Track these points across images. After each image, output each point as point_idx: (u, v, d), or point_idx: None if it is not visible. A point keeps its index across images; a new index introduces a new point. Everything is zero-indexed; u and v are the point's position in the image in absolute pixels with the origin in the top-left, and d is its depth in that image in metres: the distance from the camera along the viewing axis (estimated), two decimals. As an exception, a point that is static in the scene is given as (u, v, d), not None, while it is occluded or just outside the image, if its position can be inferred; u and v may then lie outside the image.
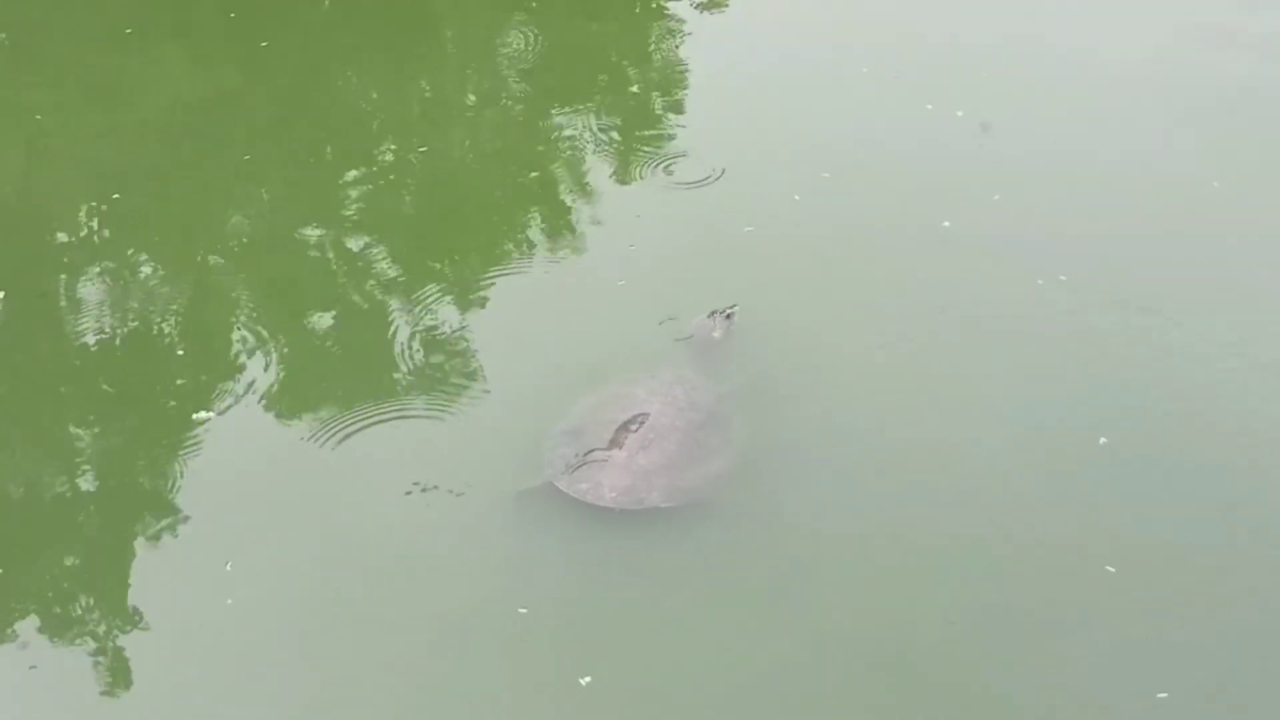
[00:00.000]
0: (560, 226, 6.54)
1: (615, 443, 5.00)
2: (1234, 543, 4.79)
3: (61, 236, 6.72)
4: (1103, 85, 7.45)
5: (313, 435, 5.31)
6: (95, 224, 6.76)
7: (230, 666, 4.47)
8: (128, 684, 4.50)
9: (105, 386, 5.79)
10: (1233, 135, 6.95)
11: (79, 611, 4.73)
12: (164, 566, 4.84)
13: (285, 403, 5.51)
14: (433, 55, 8.36)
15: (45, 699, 4.49)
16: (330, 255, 6.44)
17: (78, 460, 5.32)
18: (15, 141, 7.47)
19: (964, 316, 5.78)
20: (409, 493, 5.03)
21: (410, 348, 5.75)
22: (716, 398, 5.30)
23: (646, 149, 7.12)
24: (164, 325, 6.03)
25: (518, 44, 8.27)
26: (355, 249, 6.45)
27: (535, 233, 6.52)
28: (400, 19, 8.64)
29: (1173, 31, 7.92)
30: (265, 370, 5.67)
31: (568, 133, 7.29)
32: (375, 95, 7.84)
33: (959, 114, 7.20)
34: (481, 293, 6.10)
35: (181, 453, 5.27)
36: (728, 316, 5.71)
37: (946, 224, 6.33)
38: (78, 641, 4.61)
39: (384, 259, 6.38)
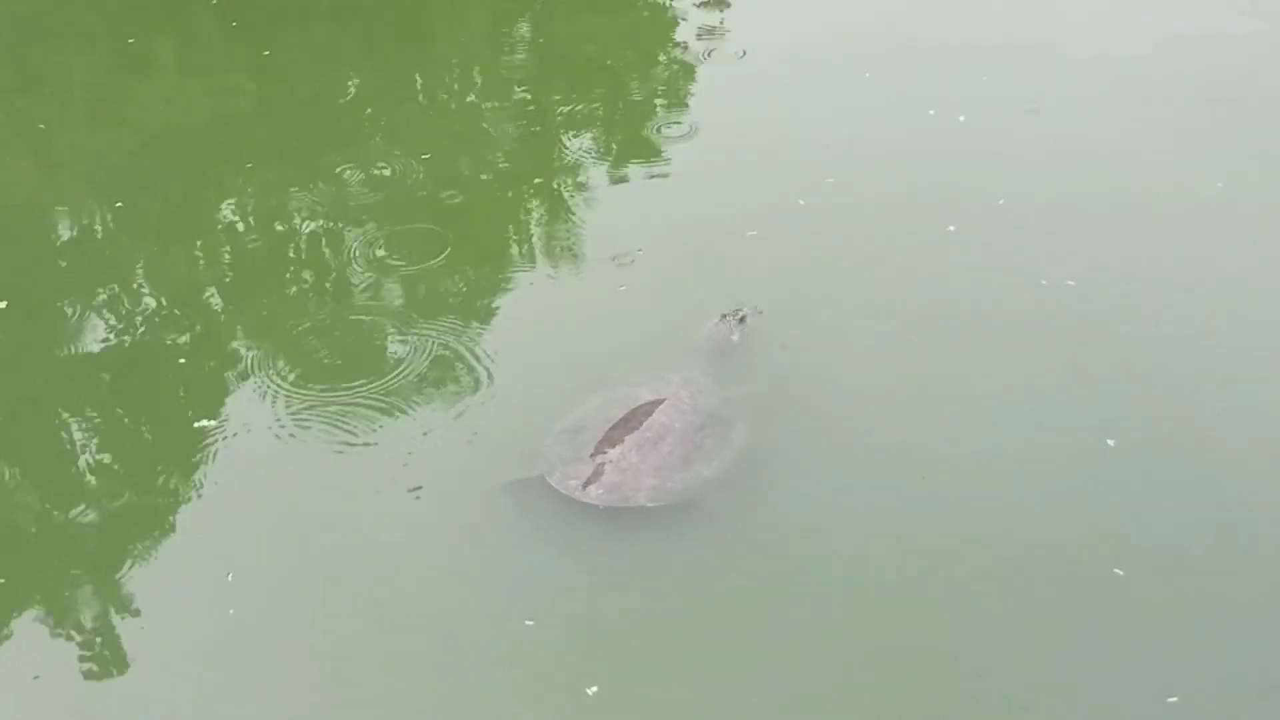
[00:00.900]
0: (564, 231, 6.53)
1: (611, 441, 5.00)
2: (1244, 544, 4.76)
3: (64, 245, 6.71)
4: (1106, 88, 7.44)
5: (315, 444, 5.29)
6: (98, 232, 6.76)
7: (233, 678, 4.44)
8: (130, 693, 4.48)
9: (107, 394, 5.77)
10: (1237, 137, 6.94)
11: (81, 621, 4.71)
12: (165, 576, 4.81)
13: (287, 411, 5.49)
14: (435, 62, 8.35)
15: (47, 707, 4.47)
16: (333, 261, 6.43)
17: (79, 468, 5.30)
18: (18, 151, 7.48)
19: (969, 320, 5.77)
20: (414, 500, 5.02)
21: (414, 355, 5.73)
22: (721, 401, 5.28)
23: (649, 154, 7.11)
24: (166, 333, 6.02)
25: (519, 50, 8.28)
26: (358, 255, 6.44)
27: (539, 238, 6.51)
28: (402, 27, 8.65)
29: (1175, 34, 7.90)
30: (268, 378, 5.66)
31: (571, 138, 7.29)
32: (378, 102, 7.84)
33: (961, 119, 7.19)
34: (486, 298, 6.09)
35: (183, 460, 5.25)
36: (741, 320, 5.70)
37: (951, 228, 6.31)
38: (80, 651, 4.59)
39: (387, 265, 6.37)
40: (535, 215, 6.67)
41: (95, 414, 5.66)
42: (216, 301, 6.25)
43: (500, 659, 4.46)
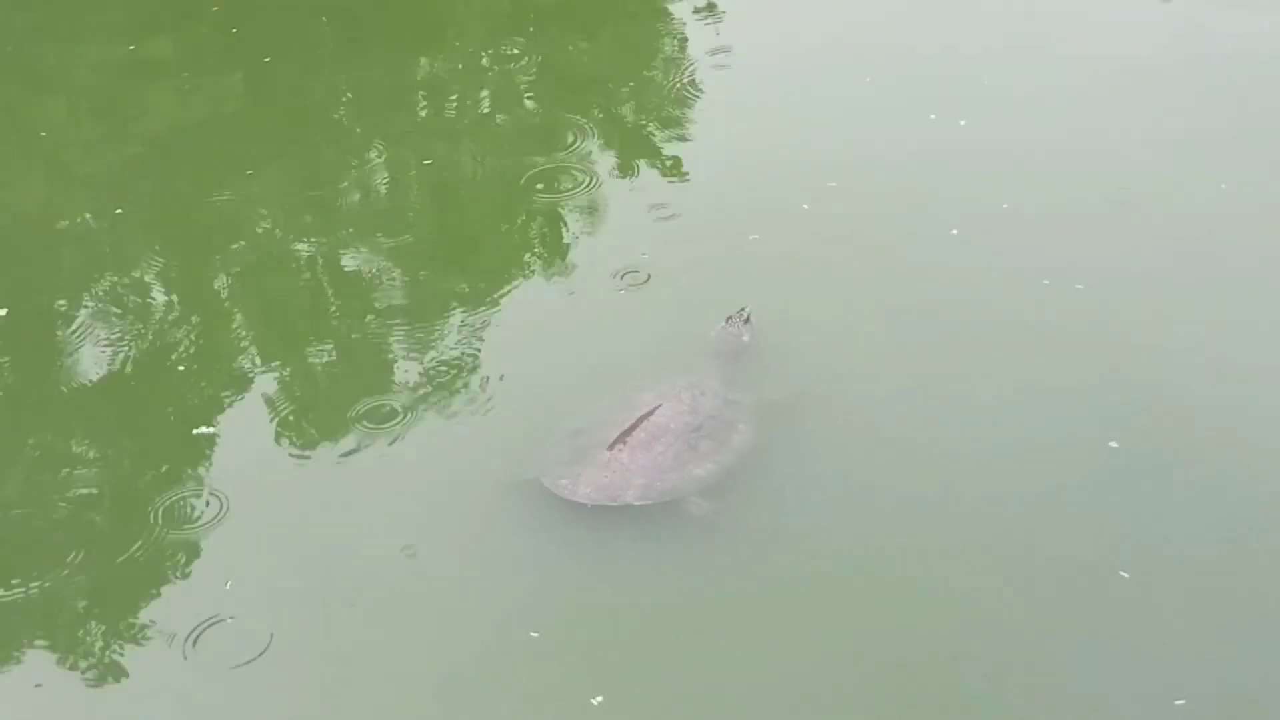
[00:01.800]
0: (567, 237, 6.51)
1: (605, 442, 5.01)
2: (1251, 545, 4.74)
3: (64, 252, 6.70)
4: (1109, 92, 7.42)
5: (316, 452, 5.28)
6: (98, 239, 6.74)
7: (231, 689, 4.42)
8: (127, 702, 4.47)
9: (106, 401, 5.76)
10: (1243, 139, 6.91)
11: (79, 628, 4.70)
12: (164, 584, 4.80)
13: (288, 419, 5.48)
14: (436, 67, 8.34)
15: (49, 715, 4.46)
16: (335, 268, 6.41)
17: (78, 474, 5.29)
18: (19, 157, 7.47)
19: (971, 322, 5.75)
20: (417, 509, 5.01)
21: (417, 362, 5.72)
22: (724, 403, 5.26)
23: (651, 158, 7.10)
24: (167, 340, 6.01)
25: (521, 56, 8.26)
26: (360, 261, 6.43)
27: (543, 245, 6.49)
28: (403, 35, 8.64)
29: (1179, 35, 7.88)
30: (269, 386, 5.66)
31: (572, 143, 7.27)
32: (378, 109, 7.83)
33: (962, 122, 7.18)
34: (487, 305, 6.07)
35: (183, 468, 5.24)
36: (747, 320, 5.70)
37: (954, 231, 6.30)
38: (78, 659, 4.59)
39: (389, 272, 6.37)
40: (539, 222, 6.65)
41: (94, 418, 5.64)
42: (217, 308, 6.24)
43: (505, 671, 4.44)
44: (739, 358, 5.60)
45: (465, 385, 5.59)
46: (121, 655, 4.59)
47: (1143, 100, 7.32)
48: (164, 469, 5.31)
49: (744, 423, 5.20)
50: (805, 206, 6.55)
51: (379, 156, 7.34)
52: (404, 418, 5.41)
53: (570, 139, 7.29)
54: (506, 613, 4.63)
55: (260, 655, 4.49)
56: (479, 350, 5.80)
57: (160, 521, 5.03)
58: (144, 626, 4.67)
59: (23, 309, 6.20)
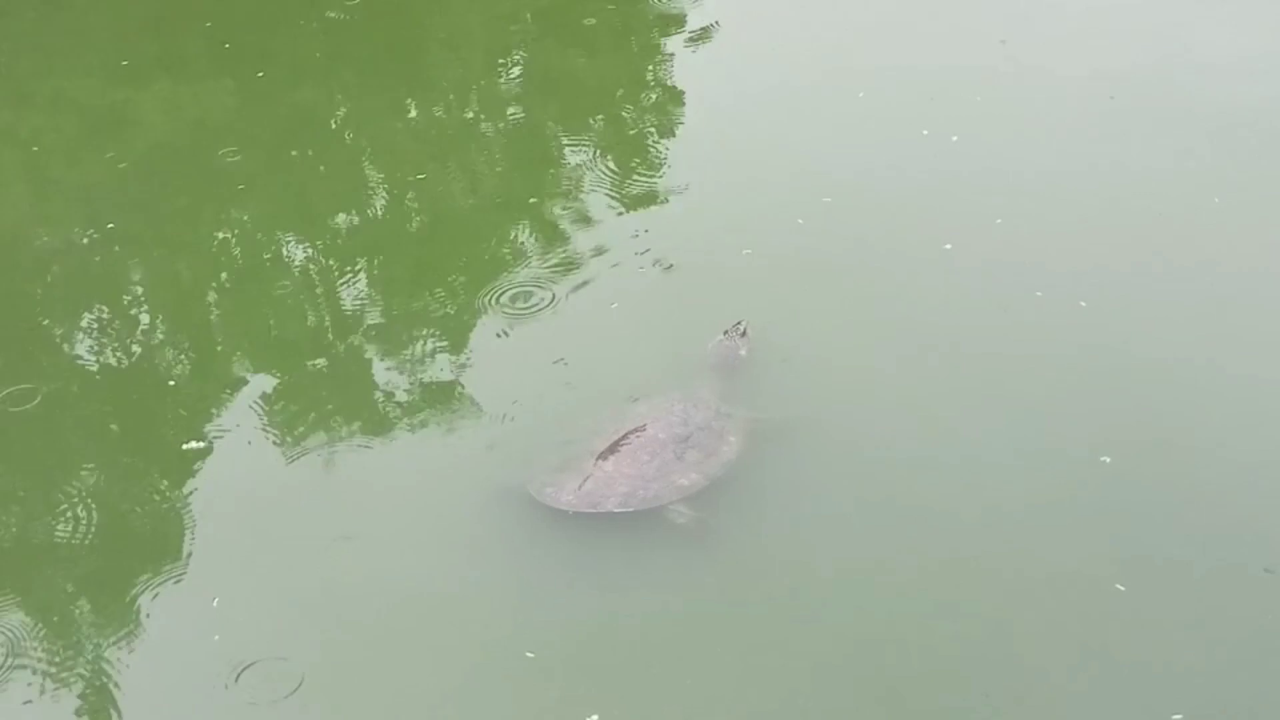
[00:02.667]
0: (561, 254, 6.49)
1: (593, 452, 5.04)
2: (1245, 558, 4.71)
3: (55, 266, 6.68)
4: (1102, 107, 7.44)
5: (307, 469, 5.25)
6: (89, 253, 6.72)
7: (219, 707, 4.38)
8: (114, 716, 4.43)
9: (95, 415, 5.74)
10: (1235, 155, 6.92)
11: (69, 645, 4.66)
12: (152, 600, 4.76)
13: (279, 433, 5.46)
14: (429, 83, 8.35)
15: None
16: (327, 282, 6.40)
17: (67, 489, 5.25)
18: (8, 172, 7.46)
19: (964, 337, 5.74)
20: (409, 527, 4.99)
21: (411, 379, 5.71)
22: (716, 415, 5.26)
23: (643, 174, 7.10)
24: (155, 354, 5.99)
25: (513, 71, 8.28)
26: (353, 276, 6.42)
27: (536, 258, 6.47)
28: (395, 49, 8.65)
29: (1171, 52, 7.91)
30: (258, 400, 5.63)
31: (565, 158, 7.29)
32: (370, 124, 7.83)
33: (954, 138, 7.19)
34: (480, 319, 6.06)
35: (171, 482, 5.21)
36: (743, 334, 5.70)
37: (948, 246, 6.30)
38: (69, 676, 4.54)
39: (381, 286, 6.36)
40: (532, 237, 6.64)
41: (83, 432, 5.61)
42: (207, 323, 6.22)
43: (501, 691, 4.42)
44: (735, 371, 5.60)
45: (459, 401, 5.58)
46: (110, 674, 4.54)
47: (1136, 116, 7.33)
48: (152, 483, 5.28)
49: (734, 435, 5.19)
50: (800, 221, 6.56)
51: (371, 170, 7.33)
52: (396, 434, 5.40)
53: (564, 156, 7.31)
54: (501, 632, 4.60)
55: (244, 671, 4.46)
56: (470, 366, 5.79)
57: (148, 537, 5.00)
58: (132, 644, 4.63)
59: (11, 322, 6.17)
